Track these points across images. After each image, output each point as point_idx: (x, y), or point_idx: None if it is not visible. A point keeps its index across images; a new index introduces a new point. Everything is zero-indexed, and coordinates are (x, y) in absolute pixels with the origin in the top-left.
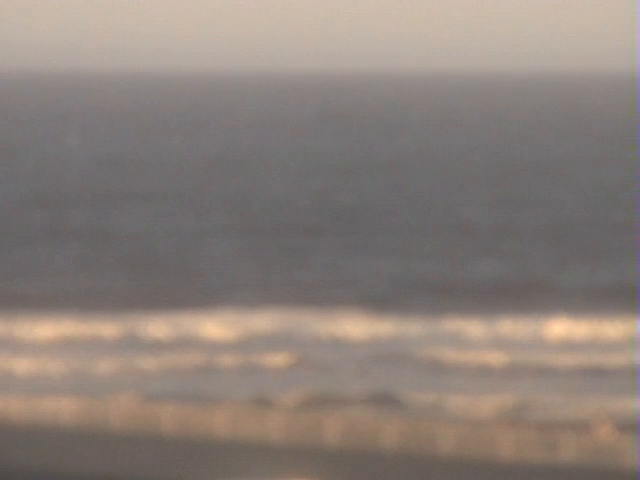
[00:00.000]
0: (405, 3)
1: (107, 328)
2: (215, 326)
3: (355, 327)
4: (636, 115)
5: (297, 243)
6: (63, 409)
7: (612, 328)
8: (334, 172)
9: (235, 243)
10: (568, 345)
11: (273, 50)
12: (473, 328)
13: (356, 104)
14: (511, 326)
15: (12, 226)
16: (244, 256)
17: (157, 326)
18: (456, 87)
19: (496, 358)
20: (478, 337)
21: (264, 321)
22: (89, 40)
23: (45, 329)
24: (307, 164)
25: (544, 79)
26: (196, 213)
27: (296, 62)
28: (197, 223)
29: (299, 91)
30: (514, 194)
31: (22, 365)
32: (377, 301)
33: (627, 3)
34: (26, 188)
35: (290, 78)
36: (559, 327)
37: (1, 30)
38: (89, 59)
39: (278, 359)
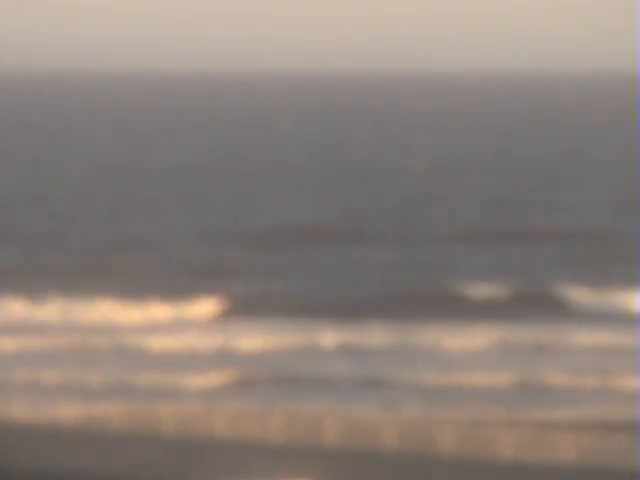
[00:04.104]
0: (406, 3)
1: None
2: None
3: None
4: (636, 115)
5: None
6: (63, 410)
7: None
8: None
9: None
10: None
11: (272, 50)
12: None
13: (354, 105)
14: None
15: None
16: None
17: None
18: (456, 87)
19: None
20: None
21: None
22: (88, 40)
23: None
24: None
25: (544, 79)
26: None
27: (295, 63)
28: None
29: (297, 91)
30: (514, 196)
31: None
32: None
33: (627, 3)
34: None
35: (289, 79)
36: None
37: (1, 30)
38: (88, 59)
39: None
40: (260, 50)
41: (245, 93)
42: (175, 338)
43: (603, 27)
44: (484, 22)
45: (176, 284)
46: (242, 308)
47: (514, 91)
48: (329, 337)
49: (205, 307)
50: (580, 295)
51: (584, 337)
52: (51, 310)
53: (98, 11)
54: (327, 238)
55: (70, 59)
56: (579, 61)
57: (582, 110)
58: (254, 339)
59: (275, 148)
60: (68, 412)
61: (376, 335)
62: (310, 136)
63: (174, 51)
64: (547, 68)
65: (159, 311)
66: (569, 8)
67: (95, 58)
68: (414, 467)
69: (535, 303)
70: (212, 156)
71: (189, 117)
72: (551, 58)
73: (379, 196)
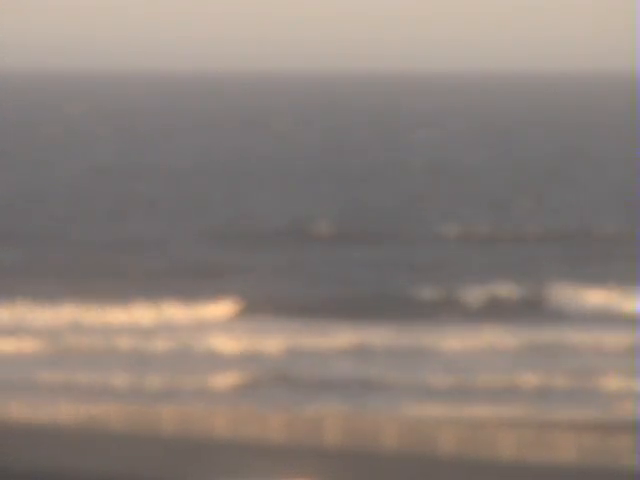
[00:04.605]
0: (406, 3)
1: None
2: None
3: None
4: (636, 115)
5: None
6: (63, 410)
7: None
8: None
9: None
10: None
11: (272, 50)
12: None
13: (354, 105)
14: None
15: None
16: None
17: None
18: (456, 87)
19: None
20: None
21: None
22: (88, 40)
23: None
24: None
25: (544, 79)
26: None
27: (295, 63)
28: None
29: (297, 91)
30: (516, 196)
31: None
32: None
33: (627, 3)
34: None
35: (289, 79)
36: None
37: (1, 30)
38: (88, 59)
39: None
40: (260, 50)
41: (245, 93)
42: (175, 339)
43: (603, 27)
44: (484, 22)
45: (176, 285)
46: (242, 308)
47: (514, 91)
48: (329, 337)
49: (205, 307)
50: (580, 295)
51: (584, 337)
52: (51, 310)
53: (98, 11)
54: (327, 238)
55: (70, 59)
56: (579, 61)
57: (582, 110)
58: (254, 339)
59: (275, 148)
60: (68, 412)
61: (376, 335)
62: (310, 136)
63: (174, 51)
64: (547, 68)
65: (160, 311)
66: (569, 8)
67: (95, 58)
68: (414, 467)
69: (535, 303)
70: (212, 156)
71: (189, 117)
72: (551, 58)
73: (379, 196)
